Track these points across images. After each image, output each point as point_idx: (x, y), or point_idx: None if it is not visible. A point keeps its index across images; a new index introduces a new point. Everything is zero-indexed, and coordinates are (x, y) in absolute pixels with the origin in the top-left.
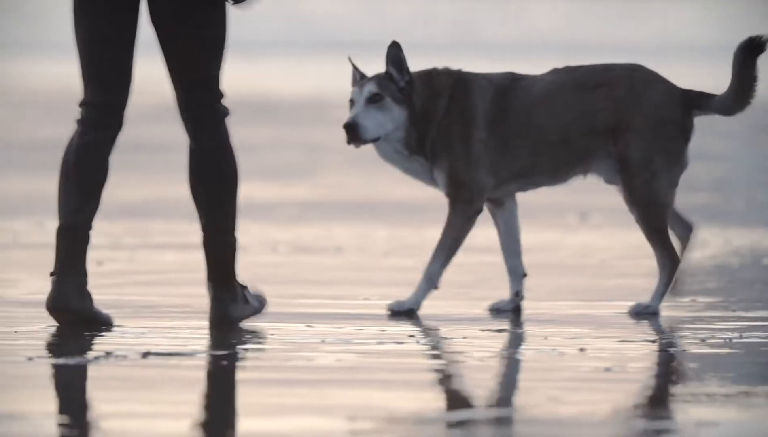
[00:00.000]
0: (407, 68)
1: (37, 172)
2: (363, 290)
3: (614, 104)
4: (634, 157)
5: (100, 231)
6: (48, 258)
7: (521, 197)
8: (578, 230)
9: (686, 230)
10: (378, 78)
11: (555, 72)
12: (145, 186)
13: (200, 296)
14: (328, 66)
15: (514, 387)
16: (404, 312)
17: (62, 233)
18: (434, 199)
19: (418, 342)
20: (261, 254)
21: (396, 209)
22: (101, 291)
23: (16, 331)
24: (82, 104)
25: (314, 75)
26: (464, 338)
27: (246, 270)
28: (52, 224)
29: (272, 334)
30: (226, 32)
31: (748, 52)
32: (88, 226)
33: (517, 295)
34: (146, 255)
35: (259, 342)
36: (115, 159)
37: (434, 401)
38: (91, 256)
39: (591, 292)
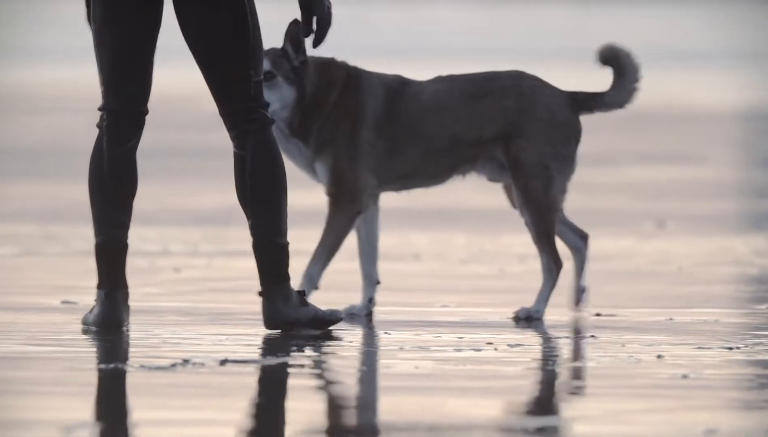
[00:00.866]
0: (304, 49)
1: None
2: (441, 297)
3: (503, 113)
4: (528, 161)
5: (178, 238)
6: (138, 266)
7: (604, 204)
8: (655, 237)
9: (581, 240)
10: (272, 54)
11: (440, 80)
12: (222, 193)
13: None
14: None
15: (590, 394)
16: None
17: (107, 247)
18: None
19: (495, 349)
20: (339, 261)
21: (474, 216)
22: (178, 299)
23: (92, 339)
24: (105, 110)
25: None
26: (541, 345)
27: (325, 277)
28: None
29: (350, 342)
30: (259, 35)
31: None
32: (127, 238)
33: (371, 302)
34: (224, 263)
35: (337, 349)
36: (193, 165)
37: (512, 408)
38: (169, 263)
39: (668, 299)
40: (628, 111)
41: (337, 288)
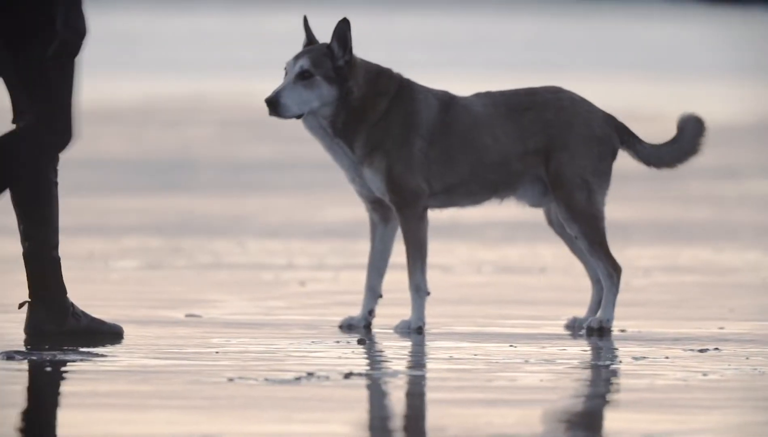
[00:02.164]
0: (351, 48)
1: (237, 191)
2: (566, 310)
3: (544, 127)
4: (568, 174)
5: (304, 251)
6: (250, 278)
7: (730, 217)
8: None
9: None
10: (314, 52)
11: (483, 95)
12: (349, 206)
13: (406, 316)
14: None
15: (713, 407)
16: (415, 331)
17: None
18: (639, 219)
19: (621, 361)
20: (466, 274)
21: None
22: (303, 312)
23: (217, 352)
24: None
25: None
26: (666, 358)
27: (451, 290)
28: (254, 244)
29: (476, 355)
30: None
31: (698, 126)
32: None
33: (371, 314)
34: (350, 276)
35: (463, 363)
36: (319, 178)
37: (637, 421)
38: (295, 276)
39: None
40: (753, 124)
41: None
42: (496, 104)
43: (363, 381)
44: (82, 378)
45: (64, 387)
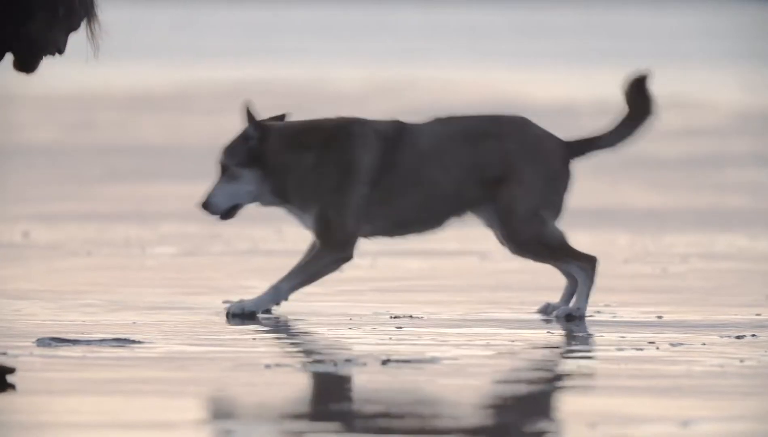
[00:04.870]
0: (259, 125)
1: None
2: (602, 297)
3: (505, 156)
4: (521, 210)
5: None
6: (288, 265)
7: None
8: None
9: (580, 268)
10: (230, 144)
11: (439, 121)
12: None
13: (443, 303)
14: (570, 73)
15: (750, 394)
16: (245, 315)
17: None
18: (675, 206)
19: (657, 348)
20: (503, 261)
21: (637, 216)
22: (342, 299)
23: (254, 339)
24: None
25: (562, 83)
26: (703, 344)
27: (488, 277)
28: (291, 231)
29: (513, 341)
30: None
31: (636, 87)
32: None
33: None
34: (388, 263)
35: (500, 349)
36: None
37: (674, 407)
38: None
39: None
40: None
41: None
42: (450, 132)
43: (401, 368)
44: (119, 364)
45: (101, 374)
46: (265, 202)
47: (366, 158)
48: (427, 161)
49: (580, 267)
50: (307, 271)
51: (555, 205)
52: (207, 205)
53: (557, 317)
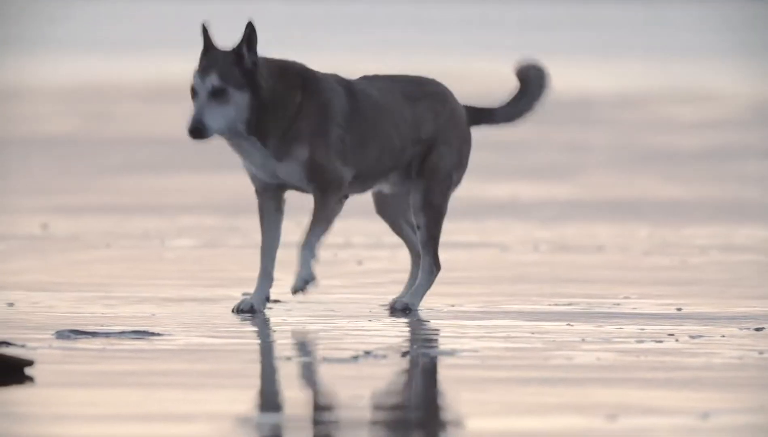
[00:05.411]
0: (256, 50)
1: None
2: (622, 289)
3: (434, 117)
4: (442, 167)
5: (361, 230)
6: (321, 258)
7: None
8: None
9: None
10: (220, 64)
11: (369, 80)
12: None
13: (463, 295)
14: (590, 66)
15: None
16: (306, 287)
17: None
18: (695, 198)
19: (677, 340)
20: (523, 253)
21: (658, 208)
22: (361, 291)
23: (274, 331)
24: None
25: (578, 75)
26: (722, 336)
27: (508, 269)
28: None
29: (532, 333)
30: None
31: (529, 63)
32: None
33: (267, 299)
34: (407, 254)
35: (519, 341)
36: None
37: (693, 399)
38: (352, 255)
39: None
40: None
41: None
42: (391, 90)
43: (419, 360)
44: (138, 357)
45: (120, 366)
46: (232, 132)
47: (338, 103)
48: (381, 114)
49: (429, 269)
50: (323, 219)
51: (462, 169)
52: (201, 130)
53: (393, 308)
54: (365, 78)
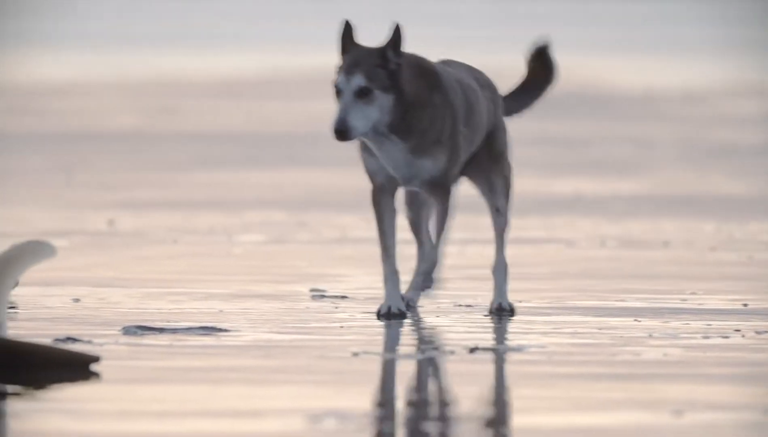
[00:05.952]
0: (401, 52)
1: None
2: (689, 284)
3: (492, 105)
4: (506, 153)
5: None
6: (376, 253)
7: None
8: None
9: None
10: (366, 64)
11: (453, 66)
12: None
13: (530, 291)
14: (655, 62)
15: None
16: (430, 289)
17: None
18: (761, 194)
19: (743, 336)
20: (589, 249)
21: (724, 203)
22: None
23: (341, 327)
24: None
25: (643, 71)
26: None
27: (575, 264)
28: None
29: (600, 329)
30: None
31: (537, 55)
32: None
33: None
34: (476, 250)
35: (587, 337)
36: None
37: (761, 395)
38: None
39: None
40: None
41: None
42: (476, 78)
43: (488, 356)
44: (205, 353)
45: (187, 363)
46: (376, 133)
47: (459, 101)
48: (480, 106)
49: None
50: (448, 224)
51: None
52: (346, 131)
53: (497, 310)
54: (446, 63)
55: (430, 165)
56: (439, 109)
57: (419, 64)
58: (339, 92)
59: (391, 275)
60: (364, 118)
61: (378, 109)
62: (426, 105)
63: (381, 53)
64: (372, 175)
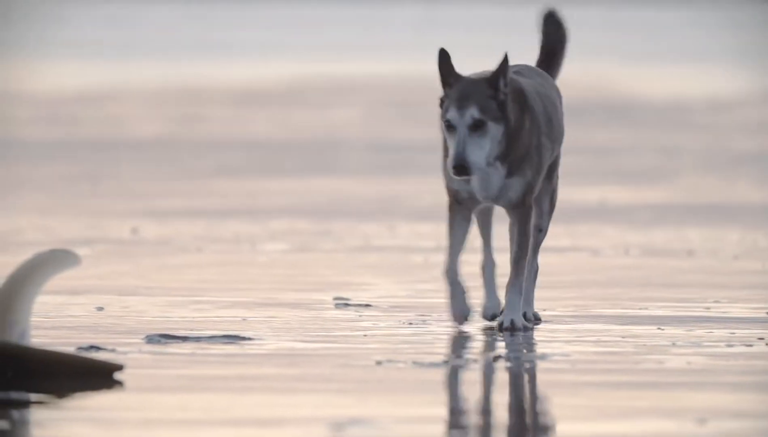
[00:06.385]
0: (508, 81)
1: (387, 173)
2: (713, 293)
3: (563, 114)
4: (556, 165)
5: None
6: (400, 261)
7: None
8: None
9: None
10: (478, 96)
11: (528, 74)
12: None
13: (554, 299)
14: (680, 70)
15: None
16: (519, 328)
17: None
18: None
19: (767, 344)
20: (614, 257)
21: (750, 212)
22: None
23: (365, 335)
24: None
25: (668, 79)
26: None
27: (599, 273)
28: (404, 227)
29: (623, 337)
30: None
31: (548, 19)
32: None
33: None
34: (500, 259)
35: (611, 345)
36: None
37: None
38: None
39: None
40: None
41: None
42: (553, 87)
43: (511, 364)
44: (229, 361)
45: (211, 371)
46: (488, 164)
47: (543, 118)
48: (558, 118)
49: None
50: (528, 249)
51: None
52: (467, 168)
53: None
54: (523, 72)
55: (518, 183)
56: (529, 130)
57: (514, 86)
58: (450, 127)
59: (453, 287)
60: (480, 150)
61: (491, 141)
62: (521, 128)
63: (491, 84)
64: (454, 193)
